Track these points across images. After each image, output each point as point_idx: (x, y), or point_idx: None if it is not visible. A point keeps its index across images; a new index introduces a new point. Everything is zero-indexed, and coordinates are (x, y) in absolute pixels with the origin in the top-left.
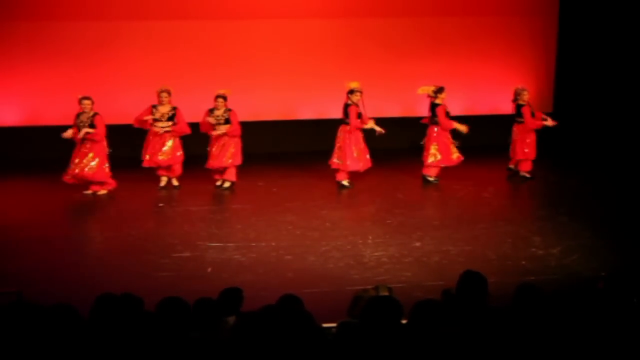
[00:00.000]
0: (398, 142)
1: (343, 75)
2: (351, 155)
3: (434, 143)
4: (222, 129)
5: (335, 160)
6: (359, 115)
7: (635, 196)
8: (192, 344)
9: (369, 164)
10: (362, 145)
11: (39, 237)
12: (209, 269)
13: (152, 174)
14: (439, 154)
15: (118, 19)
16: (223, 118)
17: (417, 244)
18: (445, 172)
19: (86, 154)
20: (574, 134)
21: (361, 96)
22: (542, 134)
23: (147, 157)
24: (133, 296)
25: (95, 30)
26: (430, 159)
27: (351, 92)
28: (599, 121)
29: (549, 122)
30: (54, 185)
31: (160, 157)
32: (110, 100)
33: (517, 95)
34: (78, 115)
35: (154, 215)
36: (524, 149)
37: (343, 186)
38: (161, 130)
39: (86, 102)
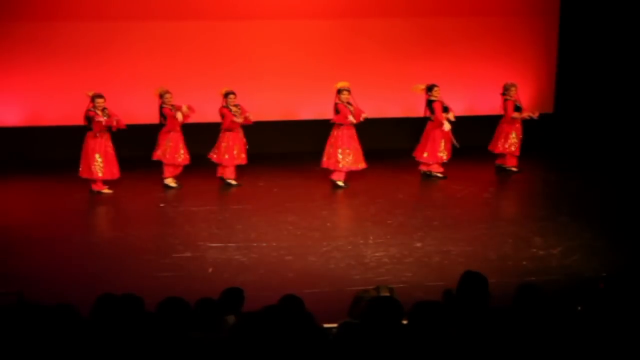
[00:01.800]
0: (398, 142)
1: (344, 76)
2: (346, 156)
3: (442, 140)
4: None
5: (326, 160)
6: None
7: (635, 196)
8: (192, 344)
9: (364, 165)
10: (357, 144)
11: (39, 238)
12: (210, 269)
13: (151, 174)
14: (445, 150)
15: (119, 19)
16: (238, 112)
17: (418, 244)
18: (446, 172)
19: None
20: (575, 134)
21: (350, 95)
22: (543, 134)
23: (182, 158)
24: (134, 296)
25: (97, 31)
26: (442, 155)
27: (339, 91)
28: (599, 121)
29: (525, 114)
30: (54, 186)
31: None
32: (112, 100)
33: (505, 89)
34: (95, 110)
35: (154, 215)
36: (505, 144)
37: (338, 186)
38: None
39: (100, 100)
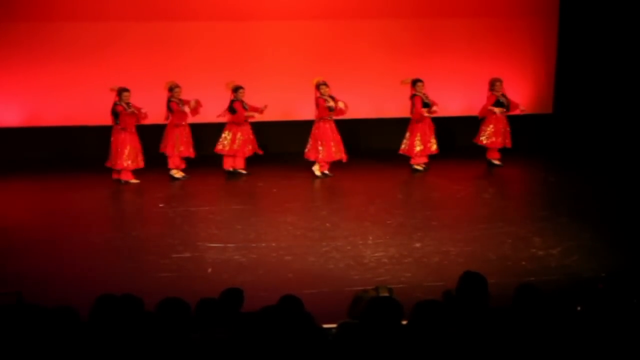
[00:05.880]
0: (398, 142)
1: (344, 77)
2: (328, 147)
3: (418, 134)
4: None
5: (308, 151)
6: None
7: (635, 197)
8: (192, 345)
9: (344, 157)
10: (337, 136)
11: (38, 238)
12: (209, 270)
13: (152, 174)
14: (421, 144)
15: (119, 19)
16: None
17: (417, 244)
18: (446, 172)
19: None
20: (574, 134)
21: (328, 88)
22: (542, 134)
23: (182, 148)
24: (133, 297)
25: (96, 31)
26: (417, 149)
27: (318, 86)
28: (599, 121)
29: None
30: (54, 186)
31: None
32: (112, 100)
33: (491, 85)
34: (124, 104)
35: (154, 215)
36: (490, 137)
37: (318, 176)
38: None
39: (126, 93)
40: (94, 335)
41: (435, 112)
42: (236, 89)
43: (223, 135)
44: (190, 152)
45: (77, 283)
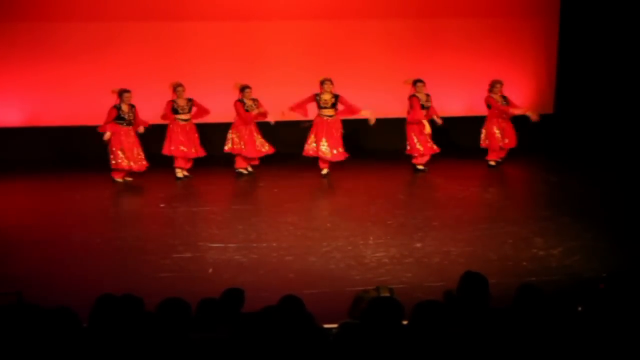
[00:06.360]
0: (399, 142)
1: (346, 77)
2: (323, 145)
3: (415, 135)
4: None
5: (310, 151)
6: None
7: (636, 197)
8: (192, 345)
9: (341, 157)
10: (337, 134)
11: (39, 238)
12: (210, 270)
13: (152, 174)
14: (422, 145)
15: (119, 19)
16: (253, 107)
17: (418, 244)
18: (447, 172)
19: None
20: (576, 134)
21: (332, 86)
22: (543, 134)
23: (173, 147)
24: (133, 297)
25: (97, 31)
26: (420, 148)
27: (322, 83)
28: (600, 121)
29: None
30: (54, 186)
31: (193, 150)
32: (111, 100)
33: (491, 87)
34: (119, 109)
35: (154, 215)
36: (484, 139)
37: (324, 175)
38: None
39: (127, 95)
40: (94, 335)
41: (436, 121)
42: (243, 89)
43: (227, 135)
44: (180, 151)
45: (77, 283)
